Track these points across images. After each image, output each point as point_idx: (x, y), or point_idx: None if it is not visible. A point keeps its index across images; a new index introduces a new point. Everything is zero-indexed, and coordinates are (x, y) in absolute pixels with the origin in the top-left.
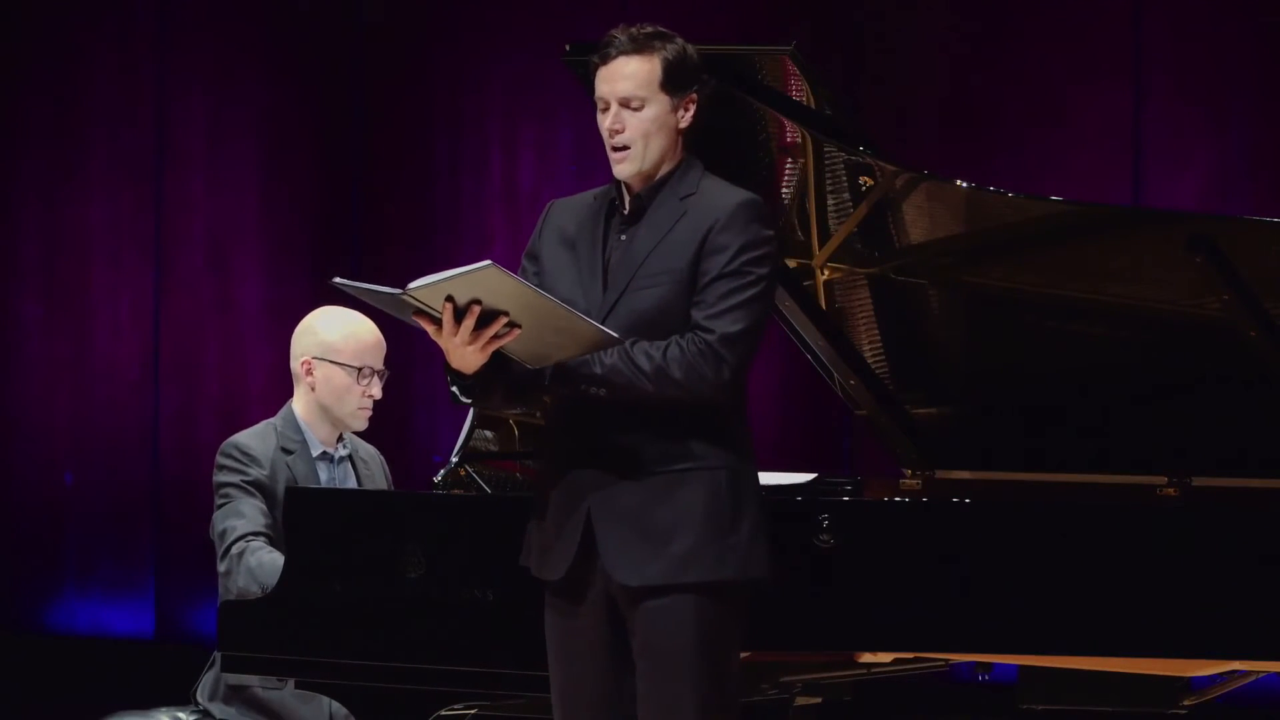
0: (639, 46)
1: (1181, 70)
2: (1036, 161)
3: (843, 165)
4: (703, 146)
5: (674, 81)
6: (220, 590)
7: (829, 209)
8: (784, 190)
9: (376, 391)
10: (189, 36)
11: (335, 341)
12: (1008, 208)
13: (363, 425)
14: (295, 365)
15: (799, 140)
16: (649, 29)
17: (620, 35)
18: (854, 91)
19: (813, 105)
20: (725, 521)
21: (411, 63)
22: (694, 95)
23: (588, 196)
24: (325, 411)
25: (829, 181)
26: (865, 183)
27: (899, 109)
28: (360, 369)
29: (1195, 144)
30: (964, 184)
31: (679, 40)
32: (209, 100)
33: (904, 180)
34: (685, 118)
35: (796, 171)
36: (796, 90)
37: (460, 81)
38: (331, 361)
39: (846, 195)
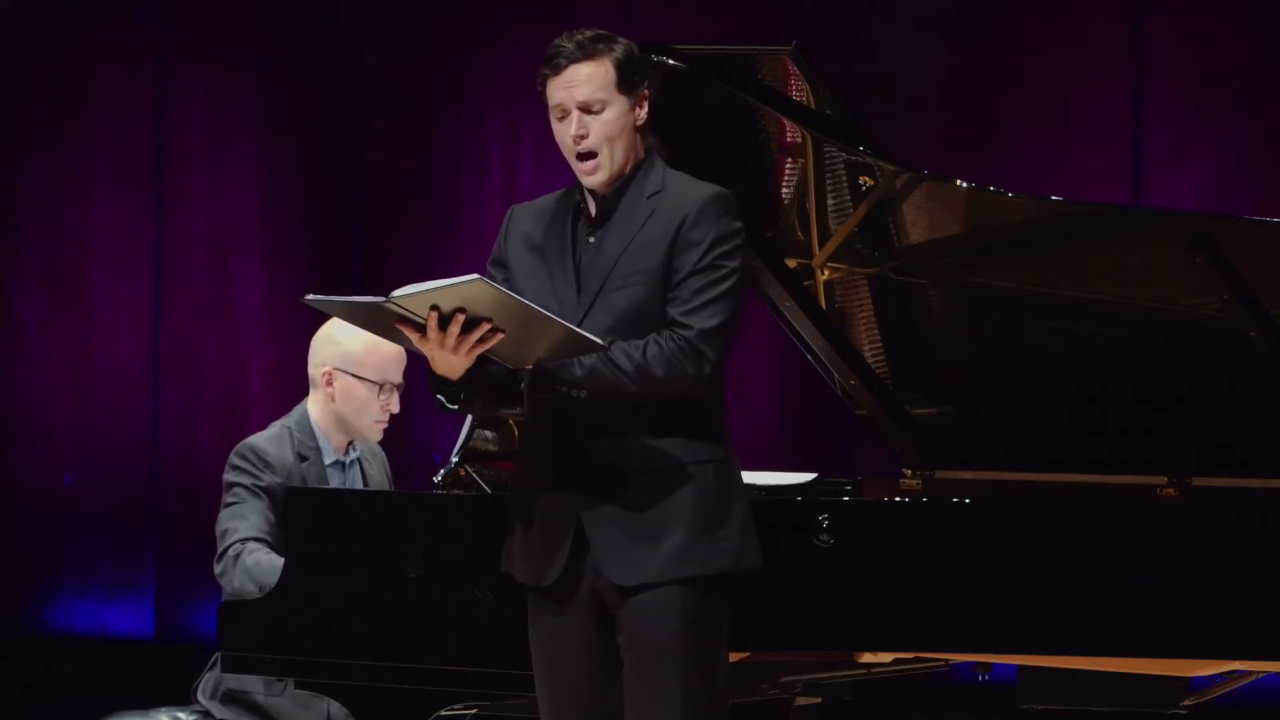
0: (588, 52)
1: (1181, 70)
2: (1036, 161)
3: (843, 165)
4: (702, 146)
5: (627, 81)
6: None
7: (829, 209)
8: (784, 190)
9: (395, 406)
10: (189, 37)
11: (358, 354)
12: (1008, 208)
13: (378, 438)
14: (315, 372)
15: (799, 140)
16: (590, 33)
17: (566, 44)
18: (854, 91)
19: (813, 105)
20: (715, 516)
21: (411, 63)
22: (646, 91)
23: (548, 200)
24: (342, 422)
25: (829, 181)
26: (865, 183)
27: (899, 109)
28: (381, 384)
29: (1195, 144)
30: (964, 184)
31: (623, 40)
32: (209, 100)
33: (904, 180)
34: (641, 115)
35: (796, 171)
36: (796, 90)
37: (460, 81)
38: (353, 375)
39: (846, 195)
